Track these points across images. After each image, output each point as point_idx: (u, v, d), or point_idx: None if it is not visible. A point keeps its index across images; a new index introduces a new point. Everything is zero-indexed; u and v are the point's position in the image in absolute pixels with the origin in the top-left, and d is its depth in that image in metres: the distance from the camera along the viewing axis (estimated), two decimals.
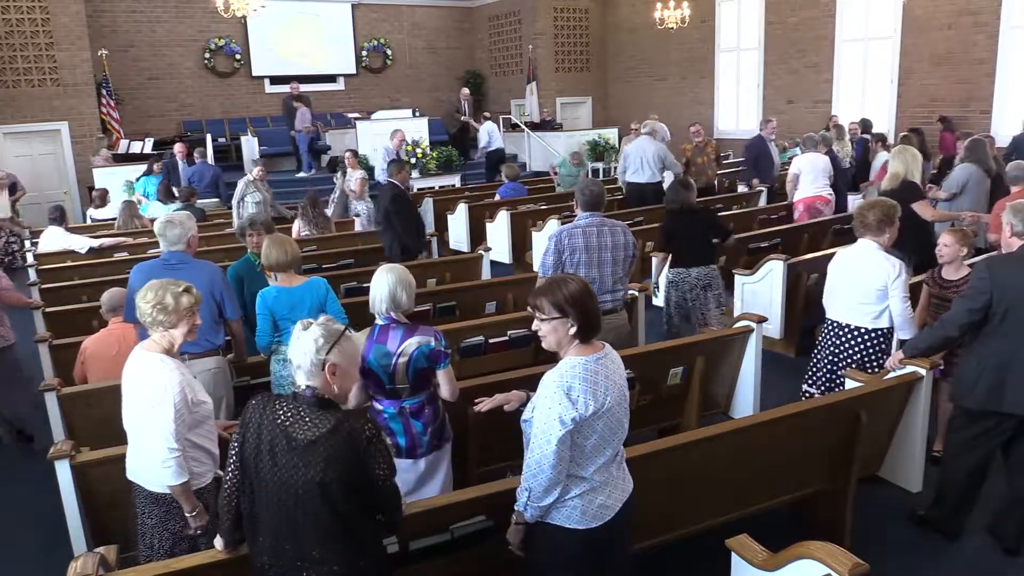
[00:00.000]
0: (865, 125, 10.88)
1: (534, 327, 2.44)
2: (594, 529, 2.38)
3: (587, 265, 4.26)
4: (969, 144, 6.81)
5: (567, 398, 2.28)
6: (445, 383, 3.12)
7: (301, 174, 13.63)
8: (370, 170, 11.83)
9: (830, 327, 4.20)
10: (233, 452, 2.23)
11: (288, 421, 2.12)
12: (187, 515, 2.79)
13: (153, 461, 2.71)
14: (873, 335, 4.02)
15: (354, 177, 9.21)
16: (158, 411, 2.66)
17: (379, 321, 3.11)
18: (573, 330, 2.35)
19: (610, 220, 4.44)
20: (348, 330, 2.27)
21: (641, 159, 9.03)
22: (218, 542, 2.37)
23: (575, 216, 4.48)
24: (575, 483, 2.36)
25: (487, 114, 14.95)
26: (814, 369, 4.31)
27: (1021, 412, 3.28)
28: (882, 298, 3.92)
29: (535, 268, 7.28)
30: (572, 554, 2.41)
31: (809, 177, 8.09)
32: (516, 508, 2.44)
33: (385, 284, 3.08)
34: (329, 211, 9.21)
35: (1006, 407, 3.29)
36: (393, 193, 6.74)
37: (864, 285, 3.95)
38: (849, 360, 4.07)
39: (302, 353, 2.17)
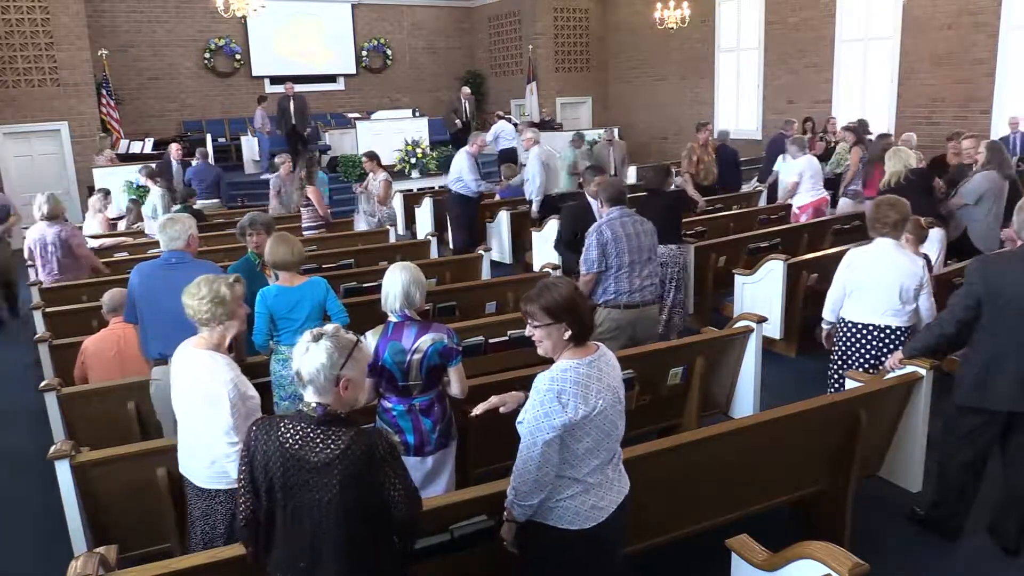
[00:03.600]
0: (862, 126, 10.84)
1: (527, 333, 2.44)
2: (587, 530, 2.38)
3: (629, 252, 4.54)
4: (989, 146, 6.56)
5: (557, 402, 2.27)
6: (456, 380, 3.15)
7: (264, 176, 13.67)
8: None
9: (865, 331, 4.09)
10: (243, 482, 2.14)
11: (297, 444, 2.03)
12: None
13: (212, 456, 2.75)
14: (907, 333, 4.06)
15: (377, 180, 8.70)
16: (216, 409, 2.68)
17: (392, 319, 3.12)
18: (568, 335, 2.35)
19: (630, 211, 4.71)
20: (360, 340, 2.18)
21: (555, 168, 8.68)
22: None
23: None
24: (569, 484, 2.36)
25: (500, 113, 14.94)
26: (844, 377, 4.10)
27: (1001, 408, 3.30)
28: (916, 296, 3.99)
29: (536, 268, 7.31)
30: (565, 554, 2.41)
31: (811, 182, 8.01)
32: (505, 506, 2.45)
33: (399, 282, 3.09)
34: (360, 224, 8.95)
35: (987, 403, 3.32)
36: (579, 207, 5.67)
37: (901, 285, 3.97)
38: None
39: (315, 369, 2.05)
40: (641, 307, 4.62)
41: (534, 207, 8.64)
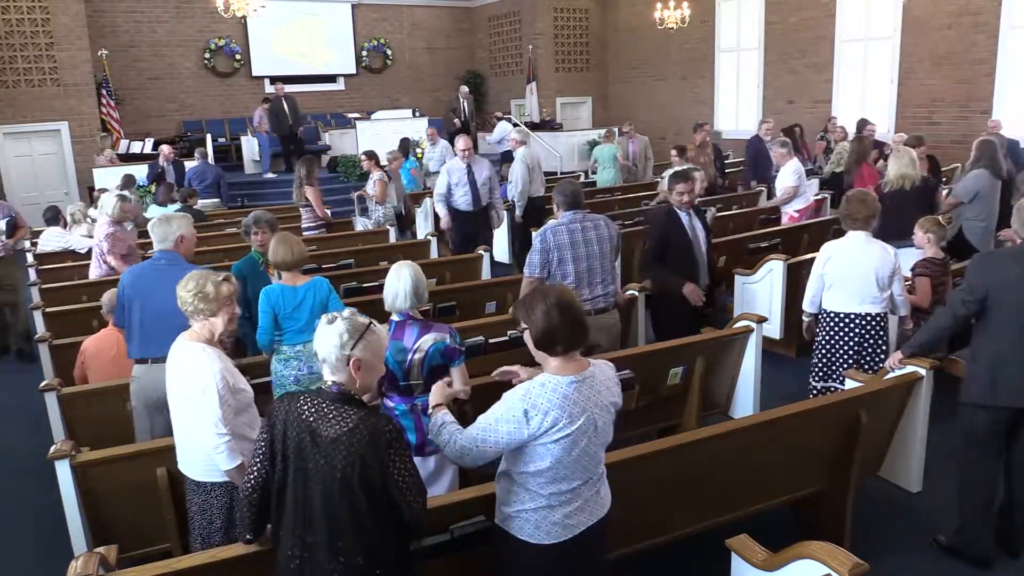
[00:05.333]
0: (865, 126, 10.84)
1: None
2: (548, 546, 2.31)
3: (574, 261, 4.34)
4: (979, 145, 6.43)
5: (524, 415, 2.21)
6: (459, 380, 3.14)
7: (267, 175, 13.72)
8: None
9: (847, 320, 4.26)
10: (260, 448, 2.24)
11: (312, 417, 2.15)
12: None
13: (203, 449, 2.77)
14: (884, 319, 4.30)
15: (371, 179, 8.65)
16: (203, 400, 2.71)
17: (395, 318, 3.13)
18: (530, 344, 2.34)
19: (591, 215, 4.53)
20: (373, 324, 2.27)
21: (539, 170, 8.42)
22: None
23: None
24: (530, 496, 2.31)
25: (499, 114, 14.93)
26: (830, 365, 4.34)
27: (1015, 404, 3.28)
28: (890, 283, 4.22)
29: None
30: (527, 566, 2.36)
31: (803, 185, 7.88)
32: (433, 420, 2.48)
33: (409, 279, 3.10)
34: (359, 224, 8.89)
35: (999, 400, 3.30)
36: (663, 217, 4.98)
37: (876, 274, 4.17)
38: (878, 347, 4.26)
39: (327, 348, 2.18)
40: (594, 315, 4.29)
41: (517, 211, 8.54)
